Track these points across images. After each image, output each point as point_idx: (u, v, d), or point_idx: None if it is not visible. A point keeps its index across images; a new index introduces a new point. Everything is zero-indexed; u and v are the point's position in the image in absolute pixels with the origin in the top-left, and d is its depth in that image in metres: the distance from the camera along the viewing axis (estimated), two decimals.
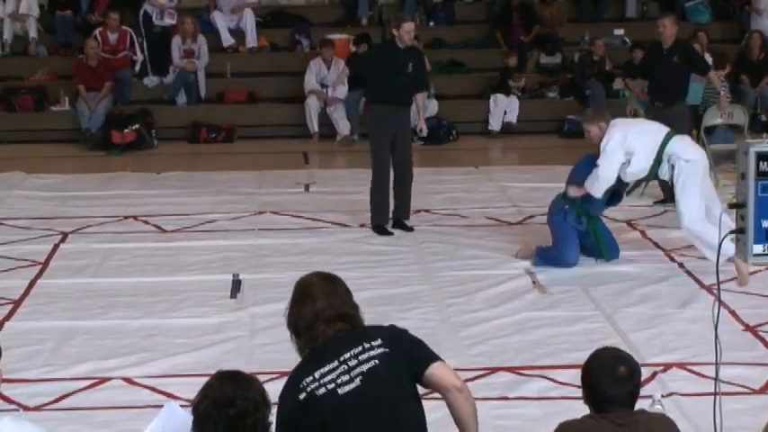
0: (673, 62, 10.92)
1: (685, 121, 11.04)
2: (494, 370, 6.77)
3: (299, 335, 4.04)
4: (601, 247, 8.94)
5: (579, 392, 3.99)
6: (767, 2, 16.67)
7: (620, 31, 16.92)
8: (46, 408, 6.32)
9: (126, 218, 10.64)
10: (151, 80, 15.80)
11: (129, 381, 6.70)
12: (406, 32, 9.84)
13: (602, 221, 9.13)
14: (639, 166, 8.54)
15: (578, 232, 8.94)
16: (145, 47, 15.82)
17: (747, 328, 7.50)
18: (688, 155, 8.48)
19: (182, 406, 4.16)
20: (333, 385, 3.86)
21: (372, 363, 3.91)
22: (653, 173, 8.72)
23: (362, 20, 17.11)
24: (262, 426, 3.62)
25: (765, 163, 8.48)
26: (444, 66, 16.54)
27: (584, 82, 15.60)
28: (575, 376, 6.05)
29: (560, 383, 6.53)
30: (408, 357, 3.99)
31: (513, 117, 15.45)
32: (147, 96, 15.73)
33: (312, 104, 15.11)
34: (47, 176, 12.55)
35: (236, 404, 3.55)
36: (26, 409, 6.29)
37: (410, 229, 10.05)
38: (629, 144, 8.45)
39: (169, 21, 15.97)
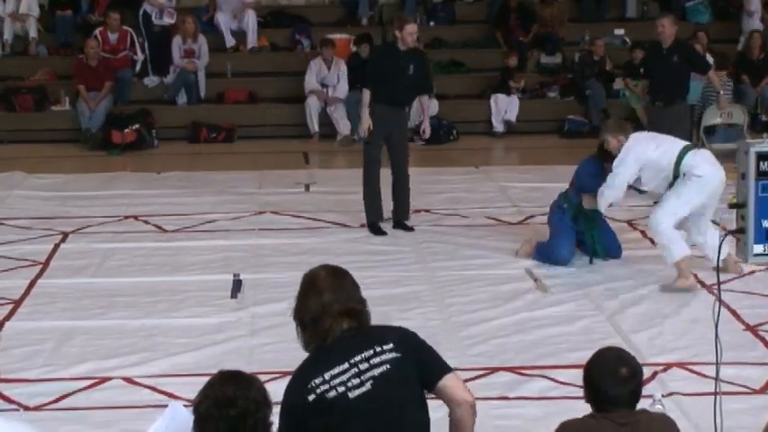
0: (673, 62, 10.93)
1: (686, 120, 11.05)
2: (494, 370, 6.77)
3: (304, 328, 4.00)
4: (596, 246, 8.97)
5: (580, 392, 4.00)
6: (757, 3, 16.68)
7: (620, 31, 16.93)
8: (46, 408, 6.32)
9: (126, 218, 10.64)
10: (151, 80, 15.80)
11: (129, 381, 6.70)
12: (409, 34, 9.80)
13: (604, 222, 9.14)
14: (651, 184, 8.44)
15: (577, 231, 8.97)
16: (146, 47, 15.82)
17: (748, 327, 7.50)
18: (700, 170, 8.13)
19: (184, 406, 4.16)
20: (343, 389, 3.83)
21: (384, 368, 3.88)
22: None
23: (363, 20, 17.11)
24: (263, 426, 3.62)
25: (766, 163, 8.46)
26: (444, 66, 16.54)
27: (584, 82, 15.60)
28: (575, 376, 6.07)
29: (561, 383, 6.53)
30: (420, 365, 3.97)
31: (512, 116, 15.45)
32: (148, 96, 15.72)
33: (312, 104, 15.11)
34: (47, 176, 12.55)
35: (237, 404, 3.55)
36: (26, 409, 6.29)
37: (411, 230, 10.05)
38: (643, 163, 8.28)
39: (168, 20, 15.96)
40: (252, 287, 8.44)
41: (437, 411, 4.27)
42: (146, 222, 10.48)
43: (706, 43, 14.59)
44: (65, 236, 9.97)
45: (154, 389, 6.55)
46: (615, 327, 7.52)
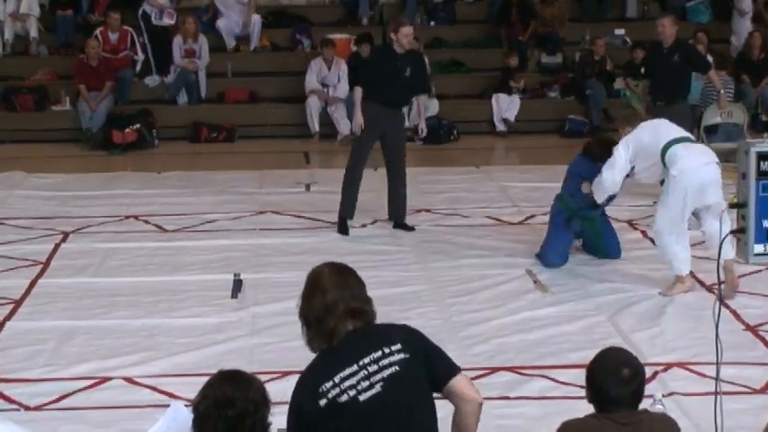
0: (673, 61, 10.93)
1: (687, 120, 11.04)
2: (495, 369, 6.78)
3: (309, 326, 3.99)
4: (600, 245, 9.00)
5: (580, 392, 4.00)
6: (749, 3, 16.67)
7: (620, 31, 16.93)
8: (47, 407, 6.33)
9: (127, 217, 10.64)
10: (152, 80, 15.80)
11: (129, 380, 6.70)
12: (405, 36, 9.81)
13: (606, 222, 9.14)
14: (644, 174, 8.35)
15: (576, 232, 8.99)
16: (148, 47, 15.82)
17: (748, 327, 7.50)
18: (676, 168, 7.90)
19: (185, 406, 4.16)
20: (354, 392, 3.82)
21: (393, 369, 3.88)
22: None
23: (363, 20, 17.11)
24: (261, 426, 3.62)
25: (766, 163, 8.47)
26: (445, 65, 16.54)
27: (584, 82, 15.60)
28: (576, 376, 6.08)
29: (561, 383, 6.53)
30: (429, 366, 3.97)
31: (511, 115, 15.46)
32: (148, 96, 15.73)
33: (313, 104, 15.11)
34: (48, 176, 12.55)
35: (236, 405, 3.55)
36: (27, 408, 6.29)
37: (411, 229, 10.05)
38: (636, 148, 8.29)
39: (168, 21, 15.96)
40: (252, 287, 8.44)
41: (439, 411, 4.28)
42: (146, 222, 10.49)
43: (706, 43, 14.59)
44: (65, 236, 9.98)
45: (154, 389, 6.55)
46: (615, 327, 7.52)
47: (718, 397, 4.78)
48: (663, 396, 4.92)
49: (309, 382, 3.90)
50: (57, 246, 9.65)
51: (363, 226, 10.19)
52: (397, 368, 3.88)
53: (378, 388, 3.85)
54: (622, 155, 8.22)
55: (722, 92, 12.26)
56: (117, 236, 9.98)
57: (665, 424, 3.92)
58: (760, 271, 8.37)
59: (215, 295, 8.26)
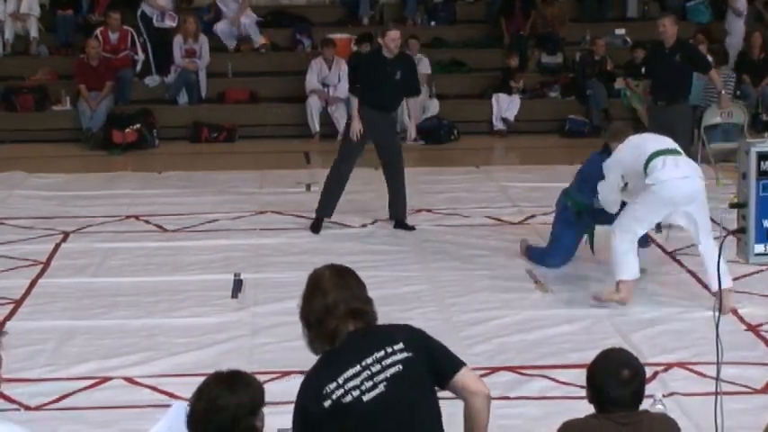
0: (675, 61, 10.91)
1: (688, 120, 11.04)
2: (495, 369, 6.78)
3: (310, 328, 3.99)
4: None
5: (580, 392, 4.00)
6: (744, 3, 16.66)
7: (621, 31, 16.92)
8: (47, 407, 6.33)
9: (127, 217, 10.64)
10: (152, 80, 15.80)
11: (130, 380, 6.70)
12: (392, 40, 9.85)
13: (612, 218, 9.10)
14: (638, 189, 8.04)
15: (585, 228, 8.90)
16: (148, 47, 15.82)
17: (749, 327, 7.51)
18: (652, 178, 7.71)
19: (187, 405, 4.16)
20: (357, 392, 3.83)
21: (396, 368, 3.88)
22: None
23: (363, 19, 17.11)
24: (254, 428, 3.62)
25: (766, 162, 8.46)
26: (445, 65, 16.54)
27: (585, 82, 15.60)
28: (576, 376, 6.08)
29: (561, 383, 6.53)
30: (432, 363, 3.97)
31: (511, 115, 15.45)
32: (149, 96, 15.72)
33: (313, 104, 15.11)
34: (48, 176, 12.55)
35: (229, 408, 3.55)
36: (27, 408, 6.29)
37: (412, 228, 10.05)
38: (624, 168, 8.06)
39: (170, 23, 15.97)
40: (253, 287, 8.44)
41: (443, 410, 4.27)
42: (147, 222, 10.49)
43: (706, 44, 14.58)
44: (66, 235, 9.98)
45: (154, 389, 6.55)
46: (616, 326, 7.52)
47: (719, 397, 4.78)
48: (663, 396, 4.92)
49: (314, 384, 3.90)
50: (57, 246, 9.65)
51: (363, 226, 10.20)
52: (400, 367, 3.89)
53: (381, 388, 3.85)
54: (609, 177, 8.11)
55: (723, 92, 12.25)
56: (117, 236, 9.98)
57: (666, 424, 3.93)
58: (760, 271, 8.36)
59: (215, 295, 8.26)
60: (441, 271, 8.85)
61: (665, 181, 7.69)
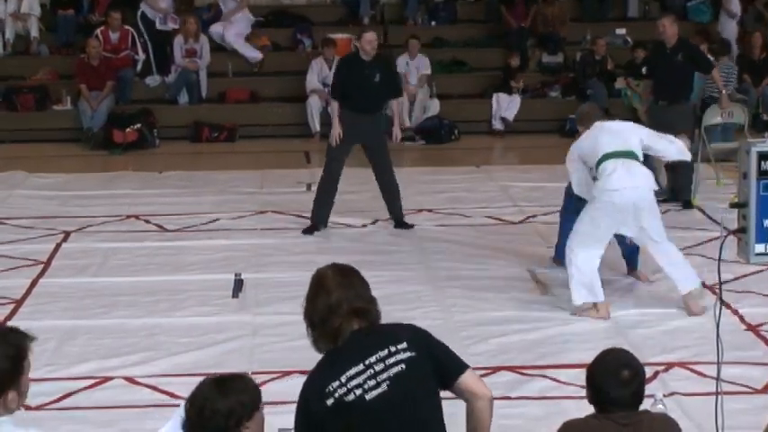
0: (676, 61, 10.90)
1: (688, 120, 11.03)
2: (495, 369, 6.78)
3: (314, 327, 3.99)
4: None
5: (581, 392, 4.00)
6: (737, 5, 16.65)
7: (621, 31, 16.93)
8: (47, 407, 6.33)
9: (128, 217, 10.64)
10: (153, 79, 15.80)
11: (130, 380, 6.71)
12: (368, 43, 9.85)
13: None
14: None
15: None
16: (149, 47, 15.82)
17: (749, 327, 7.50)
18: (597, 188, 7.56)
19: None
20: (360, 391, 3.83)
21: (399, 368, 3.88)
22: None
23: (364, 19, 17.10)
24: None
25: (767, 162, 8.45)
26: (446, 65, 16.54)
27: (585, 81, 15.60)
28: (576, 376, 6.08)
29: (562, 383, 6.53)
30: (436, 364, 3.97)
31: (510, 114, 15.45)
32: (149, 96, 15.73)
33: (314, 104, 15.12)
34: (49, 176, 12.56)
35: (221, 412, 3.54)
36: (27, 408, 6.28)
37: (411, 226, 10.05)
38: (583, 156, 7.91)
39: (173, 26, 16.01)
40: (253, 287, 8.44)
41: (446, 409, 4.27)
42: (147, 222, 10.49)
43: (707, 45, 14.57)
44: (66, 235, 9.98)
45: (155, 388, 6.56)
46: (616, 326, 7.51)
47: (719, 397, 4.78)
48: (664, 396, 4.92)
49: (317, 382, 3.91)
50: (58, 245, 9.65)
51: (364, 226, 10.19)
52: (403, 367, 3.89)
53: (384, 387, 3.86)
54: (572, 165, 7.98)
55: (724, 92, 12.24)
56: (118, 235, 9.98)
57: (666, 424, 3.93)
58: (761, 271, 8.36)
59: (216, 295, 8.26)
60: (441, 271, 8.85)
61: (610, 191, 7.49)
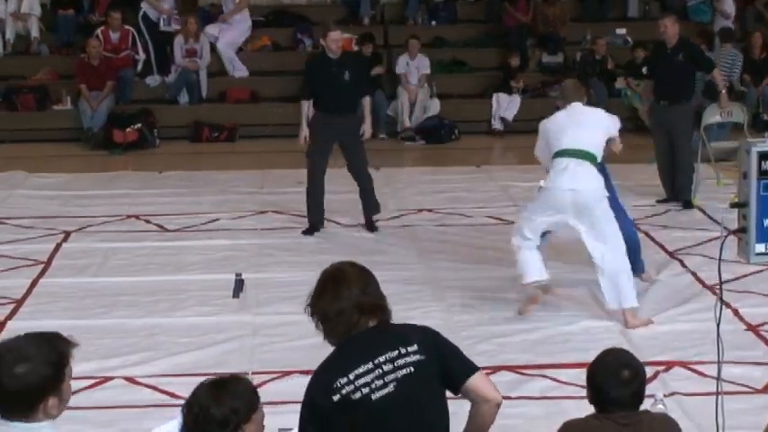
0: (677, 61, 10.89)
1: (689, 120, 11.03)
2: (496, 369, 6.76)
3: (327, 321, 3.98)
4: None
5: (581, 392, 4.00)
6: (731, 5, 16.64)
7: (621, 31, 16.93)
8: None
9: (128, 217, 10.64)
10: (153, 79, 15.81)
11: (130, 380, 6.70)
12: (333, 41, 9.79)
13: (620, 208, 9.08)
14: None
15: None
16: (149, 46, 15.83)
17: (749, 327, 7.50)
18: (547, 178, 7.55)
19: None
20: (367, 390, 3.84)
21: (407, 370, 3.89)
22: None
23: (364, 19, 17.12)
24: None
25: (767, 162, 8.45)
26: (446, 65, 16.54)
27: (586, 81, 15.58)
28: (577, 376, 6.08)
29: (562, 383, 6.53)
30: (445, 368, 3.98)
31: (510, 114, 15.45)
32: (149, 96, 15.73)
33: None
34: (49, 176, 12.56)
35: (216, 418, 3.54)
36: None
37: (375, 229, 9.99)
38: (545, 131, 7.87)
39: (176, 26, 16.02)
40: (254, 287, 8.43)
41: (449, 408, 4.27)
42: (147, 222, 10.49)
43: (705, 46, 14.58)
44: (67, 235, 9.98)
45: (155, 388, 6.55)
46: (616, 326, 7.51)
47: (720, 397, 4.78)
48: (664, 396, 4.92)
49: (324, 377, 3.92)
50: (58, 245, 9.65)
51: (363, 225, 10.18)
52: (411, 369, 3.90)
53: (391, 387, 3.87)
54: (539, 142, 7.91)
55: (723, 92, 12.24)
56: (118, 235, 9.98)
57: (666, 424, 3.93)
58: (761, 271, 8.36)
59: (216, 295, 8.26)
60: (441, 271, 8.85)
61: (552, 189, 7.49)
